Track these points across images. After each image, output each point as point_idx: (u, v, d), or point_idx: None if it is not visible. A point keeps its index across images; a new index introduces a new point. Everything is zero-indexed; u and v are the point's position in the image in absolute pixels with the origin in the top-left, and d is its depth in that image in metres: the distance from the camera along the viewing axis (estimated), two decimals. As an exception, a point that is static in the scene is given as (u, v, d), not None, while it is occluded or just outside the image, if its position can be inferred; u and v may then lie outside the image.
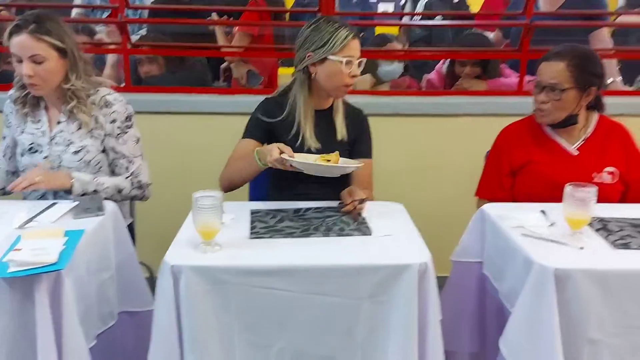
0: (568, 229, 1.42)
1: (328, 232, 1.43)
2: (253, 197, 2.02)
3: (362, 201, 1.55)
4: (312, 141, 1.74)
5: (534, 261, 1.28)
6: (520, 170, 1.87)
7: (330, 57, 1.65)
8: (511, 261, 1.41)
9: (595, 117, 1.88)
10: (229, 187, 1.75)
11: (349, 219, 1.52)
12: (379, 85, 2.77)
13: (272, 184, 1.90)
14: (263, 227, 1.47)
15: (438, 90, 2.89)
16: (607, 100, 2.57)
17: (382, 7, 5.86)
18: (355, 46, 1.68)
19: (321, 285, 1.27)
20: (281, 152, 1.51)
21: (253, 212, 1.58)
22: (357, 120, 1.87)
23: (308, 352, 1.31)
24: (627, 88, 2.99)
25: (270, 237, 1.41)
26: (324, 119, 1.81)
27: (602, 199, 1.68)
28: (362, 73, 2.71)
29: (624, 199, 1.83)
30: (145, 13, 3.39)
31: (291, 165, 1.51)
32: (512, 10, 3.10)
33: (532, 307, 1.28)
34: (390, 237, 1.42)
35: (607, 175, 1.80)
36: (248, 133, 1.80)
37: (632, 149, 1.87)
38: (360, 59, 1.70)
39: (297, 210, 1.59)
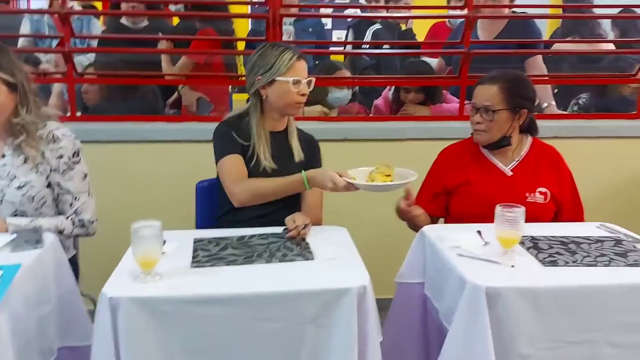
0: (500, 248, 1.48)
1: (271, 259, 1.45)
2: (201, 224, 2.02)
3: (305, 226, 1.58)
4: (267, 162, 1.80)
5: (467, 280, 1.33)
6: (457, 189, 1.94)
7: (278, 78, 1.74)
8: (448, 281, 1.45)
9: (529, 139, 1.98)
10: (255, 202, 1.76)
11: (292, 245, 1.55)
12: (328, 112, 2.83)
13: (226, 208, 1.90)
14: (205, 255, 1.47)
15: (385, 115, 2.97)
16: (543, 123, 2.72)
17: (335, 35, 6.02)
18: (301, 66, 1.77)
19: (264, 312, 1.28)
20: (341, 176, 1.59)
21: (196, 241, 1.58)
22: (310, 144, 1.94)
23: (253, 379, 1.31)
24: (561, 112, 3.15)
25: (212, 265, 1.41)
26: (279, 141, 1.87)
27: (535, 218, 1.78)
28: (313, 103, 2.81)
29: (556, 218, 1.92)
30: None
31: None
32: (453, 39, 3.24)
33: (467, 325, 1.33)
34: (333, 261, 1.45)
35: (539, 195, 1.89)
36: (228, 150, 1.81)
37: (563, 170, 1.97)
38: (309, 78, 1.78)
39: (240, 238, 1.60)
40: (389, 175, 1.66)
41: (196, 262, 1.43)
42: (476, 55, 2.66)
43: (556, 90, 3.50)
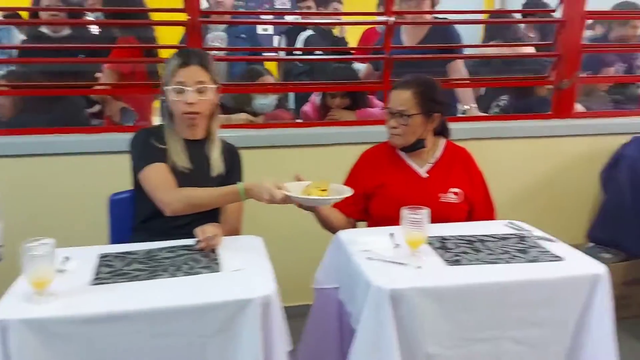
0: (408, 249, 1.50)
1: (176, 272, 1.41)
2: (116, 239, 1.95)
3: (215, 237, 1.55)
4: (183, 162, 1.77)
5: (372, 283, 1.34)
6: (375, 192, 1.96)
7: (166, 87, 1.72)
8: (358, 285, 1.46)
9: (442, 142, 2.03)
10: (188, 212, 1.71)
11: (201, 257, 1.52)
12: (254, 119, 2.81)
13: (142, 219, 1.85)
14: (108, 271, 1.42)
15: (312, 121, 2.98)
16: (463, 125, 2.80)
17: (276, 41, 5.99)
18: (186, 73, 1.70)
19: (164, 327, 1.25)
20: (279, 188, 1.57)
21: (102, 257, 1.53)
22: (230, 154, 1.91)
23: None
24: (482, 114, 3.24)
25: (113, 282, 1.37)
26: (197, 150, 1.83)
27: (448, 217, 1.83)
28: (237, 111, 2.78)
29: (469, 217, 1.97)
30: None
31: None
32: (379, 45, 3.28)
33: (372, 327, 1.34)
34: (240, 272, 1.43)
35: (452, 196, 1.93)
36: (152, 158, 1.76)
37: (475, 171, 2.03)
38: (198, 86, 1.71)
39: (148, 252, 1.56)
40: (325, 190, 1.66)
41: (97, 279, 1.38)
42: (396, 60, 2.70)
43: (484, 93, 3.62)
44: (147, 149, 1.79)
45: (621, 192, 2.80)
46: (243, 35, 4.24)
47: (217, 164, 1.83)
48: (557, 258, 1.49)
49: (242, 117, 2.75)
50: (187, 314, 1.25)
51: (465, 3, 3.17)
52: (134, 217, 1.89)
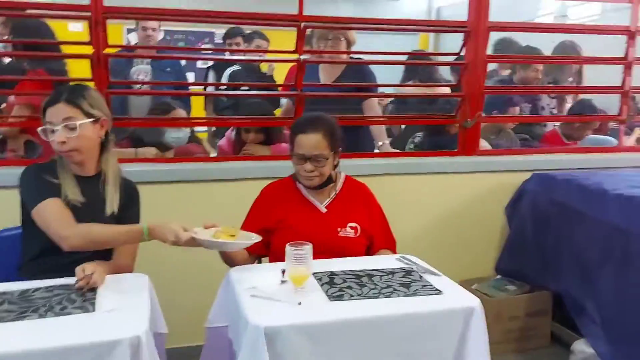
0: (293, 285, 1.50)
1: (46, 313, 1.36)
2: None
3: (93, 275, 1.51)
4: (75, 196, 1.73)
5: (248, 321, 1.33)
6: (275, 227, 1.96)
7: (40, 130, 1.70)
8: (241, 323, 1.45)
9: (342, 176, 2.07)
10: (88, 249, 1.67)
11: (77, 297, 1.46)
12: (165, 153, 2.78)
13: (29, 256, 1.78)
14: (-28, 314, 1.35)
15: (228, 155, 2.98)
16: (376, 161, 2.88)
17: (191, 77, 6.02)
18: (53, 112, 1.68)
19: (22, 373, 1.19)
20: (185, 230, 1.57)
21: (-30, 299, 1.44)
22: (128, 189, 1.87)
23: None
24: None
25: (-25, 324, 1.29)
26: (90, 187, 1.78)
27: (347, 252, 1.85)
28: (146, 144, 2.74)
29: (369, 252, 2.00)
30: None
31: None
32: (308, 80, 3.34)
33: (249, 366, 1.32)
34: (114, 312, 1.38)
35: (350, 230, 1.97)
36: (46, 194, 1.70)
37: (373, 205, 2.08)
38: (66, 123, 1.67)
39: (23, 292, 1.49)
40: (233, 236, 1.68)
41: (-42, 322, 1.30)
42: (308, 97, 2.76)
43: (403, 131, 3.75)
44: (40, 183, 1.73)
45: (524, 225, 2.94)
46: (168, 69, 4.23)
47: (111, 201, 1.78)
48: (437, 291, 1.53)
49: (152, 151, 2.71)
50: (48, 358, 1.20)
51: (401, 43, 3.30)
52: (22, 254, 1.81)
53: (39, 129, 1.69)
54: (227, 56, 4.32)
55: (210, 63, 4.46)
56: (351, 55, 3.20)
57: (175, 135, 2.83)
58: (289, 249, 1.48)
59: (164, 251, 2.54)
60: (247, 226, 2.01)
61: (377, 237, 2.02)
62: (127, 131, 2.95)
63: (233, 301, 1.57)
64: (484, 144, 3.27)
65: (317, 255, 1.56)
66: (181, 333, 2.33)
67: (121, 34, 5.98)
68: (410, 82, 3.80)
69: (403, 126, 3.83)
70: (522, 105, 3.74)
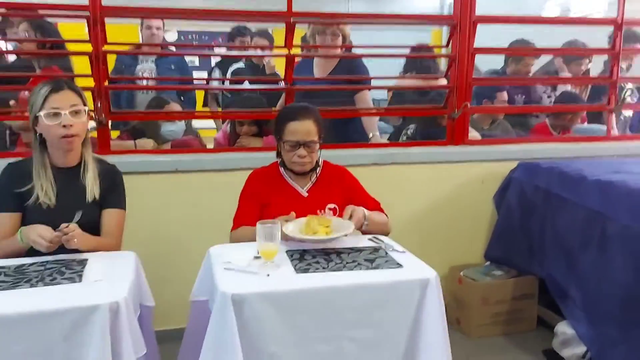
0: (263, 260, 1.62)
1: (37, 283, 1.50)
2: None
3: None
4: (46, 198, 1.83)
5: (218, 289, 1.46)
6: (261, 212, 2.08)
7: (39, 114, 1.78)
8: (215, 293, 1.57)
9: (320, 162, 2.17)
10: None
11: (67, 270, 1.60)
12: (162, 145, 2.92)
13: None
14: (-29, 283, 1.50)
15: (224, 147, 3.11)
16: (367, 151, 2.98)
17: (196, 74, 6.17)
18: (59, 97, 1.78)
19: (12, 333, 1.33)
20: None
21: (-30, 272, 1.59)
22: (109, 174, 1.98)
23: (5, 402, 1.34)
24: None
25: (-28, 292, 1.44)
26: (70, 177, 1.90)
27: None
28: (143, 136, 2.89)
29: None
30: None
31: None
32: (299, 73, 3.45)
33: (217, 330, 1.45)
34: (99, 282, 1.52)
35: (329, 212, 2.08)
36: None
37: (349, 181, 2.18)
38: (73, 109, 1.79)
39: (19, 266, 1.64)
40: (328, 226, 1.79)
41: (-43, 291, 1.45)
42: (297, 90, 2.87)
43: (400, 123, 3.85)
44: (1, 193, 1.86)
45: (511, 213, 3.03)
46: (172, 67, 4.38)
47: (92, 190, 1.90)
48: (398, 265, 1.64)
49: (149, 143, 2.85)
50: (31, 320, 1.34)
51: (412, 37, 3.38)
52: None
53: (42, 113, 1.77)
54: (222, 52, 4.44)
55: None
56: (344, 49, 3.30)
57: (170, 129, 2.97)
58: (259, 226, 1.61)
59: (159, 232, 2.71)
60: (241, 206, 2.12)
61: (363, 205, 2.08)
62: (129, 125, 3.11)
63: (211, 275, 1.69)
64: (474, 135, 3.35)
65: None
66: (175, 314, 2.49)
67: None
68: (407, 75, 3.89)
69: (401, 119, 3.93)
70: (516, 96, 3.81)
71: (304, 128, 2.02)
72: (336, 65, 3.20)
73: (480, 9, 2.98)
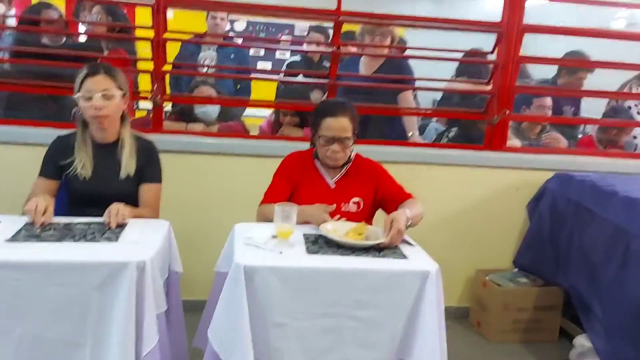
0: (280, 239, 1.78)
1: (79, 239, 1.71)
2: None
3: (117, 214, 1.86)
4: (83, 170, 2.06)
5: (233, 260, 1.62)
6: (292, 192, 2.21)
7: (76, 96, 2.01)
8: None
9: (352, 155, 2.28)
10: None
11: (107, 230, 1.81)
12: (208, 128, 3.13)
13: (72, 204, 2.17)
14: (26, 234, 1.73)
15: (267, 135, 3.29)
16: (407, 150, 3.06)
17: (260, 65, 6.42)
18: (92, 81, 1.97)
19: (55, 278, 1.54)
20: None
21: (27, 223, 1.82)
22: (146, 150, 2.18)
23: (46, 336, 1.56)
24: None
25: (25, 241, 1.67)
26: (107, 153, 2.11)
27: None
28: (188, 118, 3.09)
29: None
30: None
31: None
32: (346, 70, 3.56)
33: (229, 297, 1.61)
34: (134, 243, 1.71)
35: (352, 205, 2.18)
36: (41, 171, 2.09)
37: (380, 173, 2.25)
38: (104, 92, 1.97)
39: (68, 223, 1.86)
40: (361, 234, 1.86)
41: (13, 238, 1.68)
42: (340, 86, 3.00)
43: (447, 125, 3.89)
44: (47, 160, 2.10)
45: (542, 222, 3.04)
46: (232, 56, 4.60)
47: (126, 166, 2.08)
48: (403, 257, 1.75)
49: (199, 126, 3.07)
50: (73, 269, 1.55)
51: (476, 41, 3.43)
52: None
53: (78, 95, 2.00)
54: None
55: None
56: (392, 49, 3.39)
57: (202, 110, 3.14)
58: (277, 208, 1.75)
59: (200, 206, 2.89)
60: (273, 184, 2.24)
61: (394, 194, 2.20)
62: (177, 107, 3.32)
63: (232, 249, 1.86)
64: (514, 142, 3.37)
65: None
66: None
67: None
68: (454, 79, 3.93)
69: (447, 122, 3.97)
70: (565, 107, 3.77)
71: (339, 124, 2.11)
72: (382, 65, 3.30)
73: (544, 19, 2.98)
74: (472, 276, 3.21)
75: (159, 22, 2.79)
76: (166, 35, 2.85)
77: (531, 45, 3.18)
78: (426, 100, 4.35)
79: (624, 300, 2.38)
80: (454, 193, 3.14)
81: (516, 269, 3.18)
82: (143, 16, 3.35)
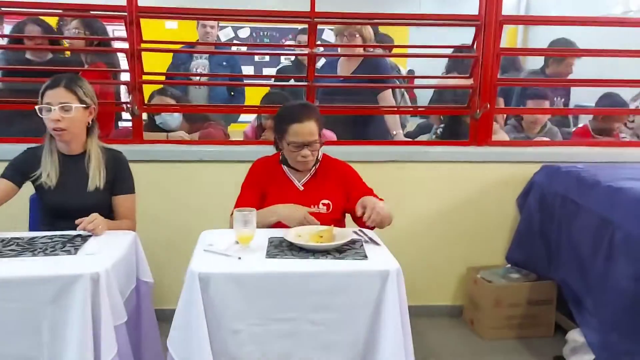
0: (240, 245, 1.76)
1: (37, 253, 1.71)
2: (32, 228, 2.27)
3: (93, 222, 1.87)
4: (48, 180, 2.06)
5: (189, 268, 1.60)
6: (262, 199, 2.19)
7: (37, 107, 2.00)
8: (191, 272, 1.71)
9: (320, 156, 2.25)
10: None
11: (68, 243, 1.81)
12: (190, 136, 3.12)
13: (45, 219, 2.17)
14: (-13, 250, 1.73)
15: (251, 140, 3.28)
16: (391, 149, 3.03)
17: (266, 71, 6.47)
18: (52, 94, 1.97)
19: (9, 294, 1.54)
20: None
21: (-6, 240, 1.83)
22: (116, 162, 2.17)
23: (2, 352, 1.56)
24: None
25: (-17, 257, 1.67)
26: (75, 165, 2.11)
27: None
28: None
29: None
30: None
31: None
32: (325, 72, 3.56)
33: (187, 306, 1.59)
34: (91, 255, 1.71)
35: (322, 207, 2.16)
36: (4, 174, 2.09)
37: (350, 176, 2.23)
38: (61, 105, 1.96)
39: (32, 238, 1.86)
40: (322, 237, 1.84)
41: (-28, 254, 1.69)
42: (317, 87, 2.98)
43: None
44: (10, 166, 2.10)
45: (531, 217, 2.98)
46: (224, 63, 4.60)
47: (93, 178, 2.08)
48: (363, 257, 1.71)
49: (180, 134, 3.07)
50: (26, 284, 1.55)
51: None
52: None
53: (36, 107, 2.01)
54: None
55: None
56: (367, 49, 3.37)
57: (163, 119, 3.14)
58: (236, 213, 1.73)
59: (179, 217, 2.88)
60: (243, 192, 2.21)
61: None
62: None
63: (194, 257, 1.84)
64: (502, 136, 3.31)
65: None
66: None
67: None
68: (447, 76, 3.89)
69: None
70: (555, 98, 3.70)
71: (306, 129, 2.08)
72: (359, 65, 3.27)
73: (539, 9, 2.91)
74: (464, 274, 3.16)
75: (133, 34, 2.80)
76: (143, 45, 2.86)
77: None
78: (424, 98, 4.31)
79: (612, 292, 2.31)
80: (442, 190, 3.10)
81: (508, 265, 3.12)
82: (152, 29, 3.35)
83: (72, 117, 2.01)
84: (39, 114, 2.01)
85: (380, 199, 2.16)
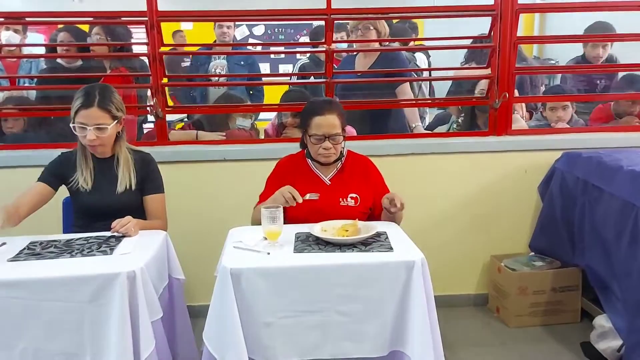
0: (269, 240, 1.81)
1: (76, 254, 1.79)
2: (65, 230, 2.35)
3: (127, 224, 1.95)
4: (84, 184, 2.14)
5: (221, 263, 1.66)
6: None
7: (71, 125, 2.06)
8: (223, 268, 1.77)
9: (345, 152, 2.30)
10: None
11: (104, 244, 1.88)
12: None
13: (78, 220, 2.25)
14: (28, 253, 1.81)
15: (272, 138, 3.33)
16: (411, 141, 3.06)
17: (282, 68, 6.52)
18: (86, 114, 2.02)
19: (48, 293, 1.62)
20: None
21: (32, 242, 1.92)
22: (144, 163, 2.25)
23: (46, 349, 1.64)
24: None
25: (25, 260, 1.75)
26: (105, 168, 2.19)
27: (348, 219, 2.07)
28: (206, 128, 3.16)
29: (372, 218, 2.22)
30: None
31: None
32: (343, 68, 3.59)
33: (221, 300, 1.65)
34: (126, 255, 1.78)
35: (350, 200, 2.20)
36: (40, 178, 2.18)
37: (373, 175, 2.28)
38: (98, 126, 2.03)
39: (69, 240, 1.94)
40: (347, 230, 1.89)
41: (15, 258, 1.77)
42: (336, 84, 3.02)
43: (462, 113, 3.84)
44: (46, 170, 2.18)
45: (554, 204, 2.99)
46: (242, 62, 4.65)
47: (123, 179, 2.16)
48: (389, 249, 1.75)
49: (210, 135, 3.14)
50: (64, 284, 1.62)
51: None
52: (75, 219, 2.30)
53: (71, 124, 2.06)
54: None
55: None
56: (384, 43, 3.38)
57: (241, 123, 3.22)
58: (263, 210, 1.79)
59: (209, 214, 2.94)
60: (267, 189, 2.28)
61: (380, 206, 2.18)
62: (193, 118, 3.40)
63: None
64: (521, 125, 3.31)
65: None
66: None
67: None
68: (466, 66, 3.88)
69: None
70: (596, 81, 3.68)
71: (328, 122, 2.15)
72: (376, 60, 3.29)
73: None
74: (488, 262, 3.18)
75: (154, 37, 2.86)
76: (162, 49, 2.93)
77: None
78: (442, 90, 4.32)
79: (638, 275, 2.31)
80: (463, 181, 3.11)
81: (532, 253, 3.13)
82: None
83: (107, 135, 2.08)
84: (73, 131, 2.07)
85: None
